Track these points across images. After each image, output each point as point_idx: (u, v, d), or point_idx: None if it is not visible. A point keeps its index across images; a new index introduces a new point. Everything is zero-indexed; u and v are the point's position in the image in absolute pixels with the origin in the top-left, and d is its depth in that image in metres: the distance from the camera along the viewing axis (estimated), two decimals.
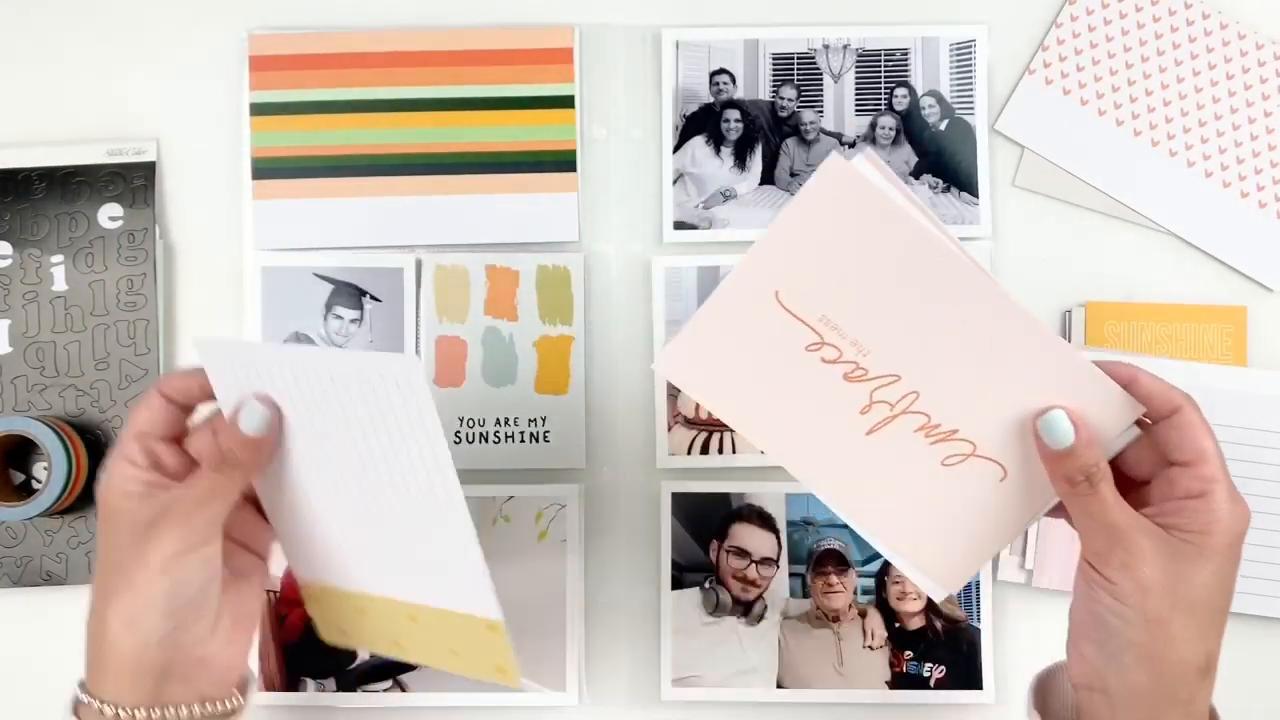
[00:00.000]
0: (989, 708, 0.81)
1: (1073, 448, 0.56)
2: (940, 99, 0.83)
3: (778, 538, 0.81)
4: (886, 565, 0.81)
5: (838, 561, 0.81)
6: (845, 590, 0.81)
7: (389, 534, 0.63)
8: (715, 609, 0.81)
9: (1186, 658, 0.55)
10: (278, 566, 0.81)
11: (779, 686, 0.80)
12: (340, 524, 0.64)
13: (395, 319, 0.83)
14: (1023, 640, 0.82)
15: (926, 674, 0.81)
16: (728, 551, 0.81)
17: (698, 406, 0.82)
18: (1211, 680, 0.56)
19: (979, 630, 0.81)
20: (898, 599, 0.81)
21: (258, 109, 0.83)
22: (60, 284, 0.83)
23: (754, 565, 0.81)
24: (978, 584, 0.81)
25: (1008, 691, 0.81)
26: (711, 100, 0.84)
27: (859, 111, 0.84)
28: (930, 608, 0.81)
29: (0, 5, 0.85)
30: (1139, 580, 0.54)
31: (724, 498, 0.82)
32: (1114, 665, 0.56)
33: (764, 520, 0.81)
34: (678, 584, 0.81)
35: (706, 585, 0.81)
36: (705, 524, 0.82)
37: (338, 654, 0.81)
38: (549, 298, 0.83)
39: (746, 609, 0.81)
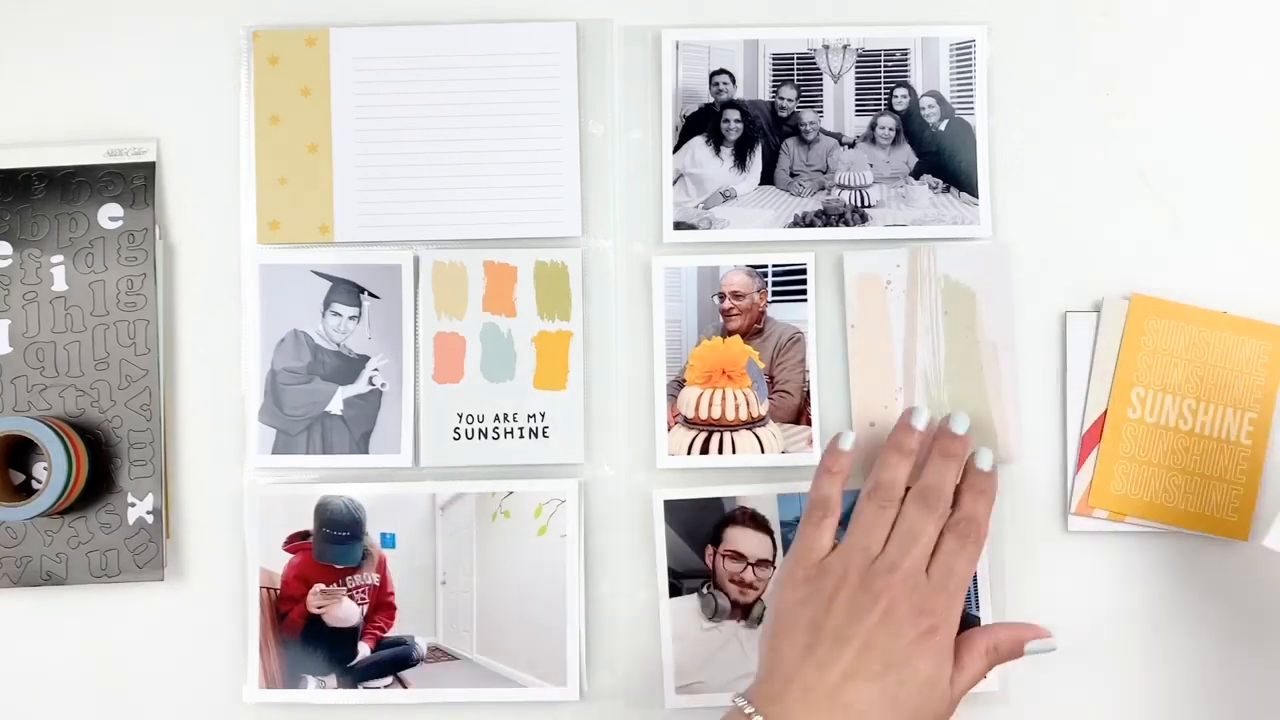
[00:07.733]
0: (988, 706, 0.81)
1: None
2: (940, 99, 0.83)
3: (772, 539, 0.81)
4: None
5: None
6: None
7: None
8: (714, 614, 0.81)
9: None
10: (272, 563, 0.82)
11: None
12: None
13: (394, 315, 0.83)
14: None
15: None
16: (723, 556, 0.81)
17: (697, 406, 0.82)
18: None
19: (978, 620, 0.81)
20: None
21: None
22: (60, 284, 0.83)
23: (750, 568, 0.81)
24: (976, 578, 0.81)
25: (1008, 688, 0.81)
26: (711, 100, 0.83)
27: (859, 112, 0.83)
28: None
29: (0, 4, 0.85)
30: None
31: (716, 502, 0.82)
32: None
33: (757, 522, 0.81)
34: (675, 591, 0.82)
35: (704, 591, 0.82)
36: (699, 530, 0.82)
37: (338, 651, 0.81)
38: (547, 293, 0.83)
39: (745, 612, 0.81)
